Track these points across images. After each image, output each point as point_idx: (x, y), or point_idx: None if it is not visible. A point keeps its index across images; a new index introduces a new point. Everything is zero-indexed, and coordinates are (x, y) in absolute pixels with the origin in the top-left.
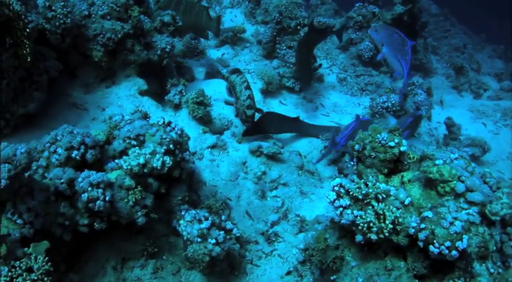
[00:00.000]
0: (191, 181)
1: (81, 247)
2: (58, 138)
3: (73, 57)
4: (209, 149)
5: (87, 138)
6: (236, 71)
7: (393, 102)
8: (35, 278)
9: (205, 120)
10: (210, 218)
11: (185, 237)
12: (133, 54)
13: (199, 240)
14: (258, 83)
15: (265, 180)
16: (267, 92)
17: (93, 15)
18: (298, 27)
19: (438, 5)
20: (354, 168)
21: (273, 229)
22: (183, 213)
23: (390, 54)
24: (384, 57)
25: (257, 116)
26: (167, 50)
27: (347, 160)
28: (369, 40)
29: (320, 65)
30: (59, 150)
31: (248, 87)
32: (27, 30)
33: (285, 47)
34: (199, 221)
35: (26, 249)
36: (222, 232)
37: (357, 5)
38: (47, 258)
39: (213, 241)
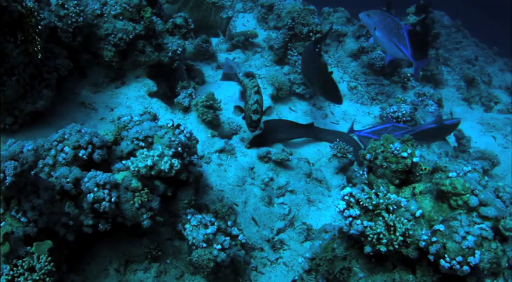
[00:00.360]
0: (198, 185)
1: (84, 248)
2: (66, 136)
3: (84, 56)
4: (217, 153)
5: (95, 137)
6: (250, 75)
7: (404, 112)
8: (37, 278)
9: (214, 124)
10: (216, 223)
11: (190, 242)
12: (144, 55)
13: (204, 245)
14: (268, 89)
15: (272, 186)
16: (277, 98)
17: (105, 15)
18: (311, 33)
19: (451, 16)
20: (364, 177)
21: (278, 236)
22: (189, 217)
23: (384, 38)
24: (376, 41)
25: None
26: (178, 52)
27: (356, 169)
28: (381, 50)
29: (331, 72)
30: (66, 149)
31: (258, 92)
32: (39, 27)
33: (296, 53)
34: (205, 226)
35: (28, 248)
36: (227, 238)
37: None
38: (49, 258)
39: (219, 247)
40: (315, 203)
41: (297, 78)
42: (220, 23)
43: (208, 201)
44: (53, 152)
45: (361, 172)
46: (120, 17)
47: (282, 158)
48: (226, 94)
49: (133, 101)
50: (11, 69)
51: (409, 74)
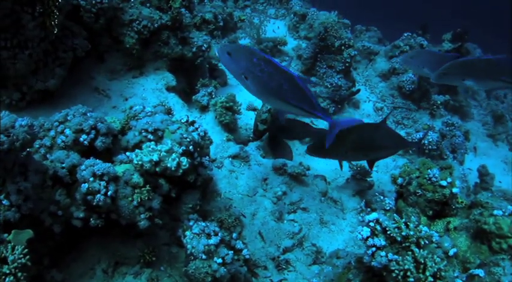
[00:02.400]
0: (205, 189)
1: (71, 242)
2: (68, 118)
3: (104, 40)
4: (230, 159)
5: (100, 123)
6: None
7: (430, 140)
8: (7, 271)
9: (230, 128)
10: (219, 234)
11: (189, 251)
12: (167, 47)
13: (204, 257)
14: None
15: (284, 201)
16: None
17: (132, 0)
18: (342, 47)
19: (482, 49)
20: (385, 203)
21: (285, 256)
22: (191, 223)
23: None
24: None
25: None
26: (203, 48)
27: (377, 193)
28: (413, 73)
29: (358, 90)
30: (67, 132)
31: None
32: (59, 0)
33: (325, 66)
34: (208, 236)
35: (5, 235)
36: (231, 252)
37: (405, 34)
38: (26, 250)
39: (220, 261)
40: (327, 224)
41: (322, 92)
42: None
43: (214, 209)
44: (52, 133)
45: (381, 197)
46: (147, 4)
47: (298, 172)
48: (248, 99)
49: (150, 93)
50: (24, 42)
51: (439, 102)
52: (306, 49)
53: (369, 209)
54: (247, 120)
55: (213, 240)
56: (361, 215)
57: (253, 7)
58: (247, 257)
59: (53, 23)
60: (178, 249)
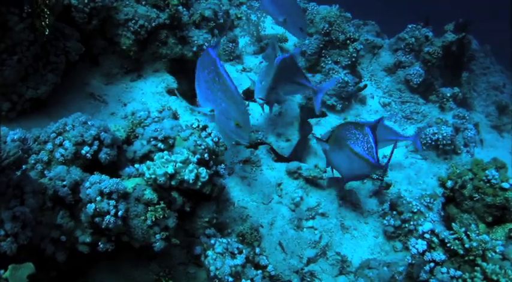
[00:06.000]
0: (218, 199)
1: (77, 269)
2: (67, 128)
3: (98, 42)
4: (241, 164)
5: (103, 133)
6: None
7: (444, 134)
8: None
9: None
10: (244, 251)
11: (212, 273)
12: (166, 47)
13: (230, 280)
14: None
15: (301, 207)
16: None
17: None
18: (348, 41)
19: (479, 40)
20: (412, 205)
21: (308, 267)
22: (212, 242)
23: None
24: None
25: None
26: (204, 47)
27: (402, 195)
28: (419, 65)
29: (365, 85)
30: (66, 144)
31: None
32: None
33: (330, 61)
34: (232, 255)
35: (1, 271)
36: (259, 272)
37: (410, 26)
38: None
39: None
40: (349, 230)
41: (329, 89)
42: None
43: (228, 219)
44: (49, 146)
45: (408, 199)
46: (143, 2)
47: (314, 176)
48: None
49: (150, 97)
50: (12, 47)
51: (448, 94)
52: (309, 45)
53: (394, 212)
54: (253, 121)
55: (240, 260)
56: (387, 218)
57: (249, 4)
58: (273, 273)
59: (43, 23)
60: (196, 269)
